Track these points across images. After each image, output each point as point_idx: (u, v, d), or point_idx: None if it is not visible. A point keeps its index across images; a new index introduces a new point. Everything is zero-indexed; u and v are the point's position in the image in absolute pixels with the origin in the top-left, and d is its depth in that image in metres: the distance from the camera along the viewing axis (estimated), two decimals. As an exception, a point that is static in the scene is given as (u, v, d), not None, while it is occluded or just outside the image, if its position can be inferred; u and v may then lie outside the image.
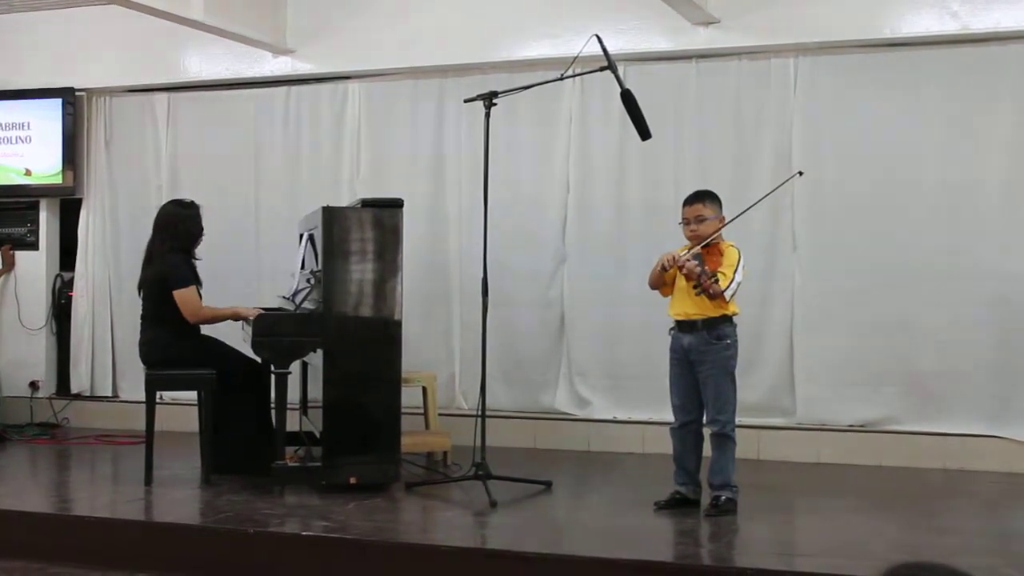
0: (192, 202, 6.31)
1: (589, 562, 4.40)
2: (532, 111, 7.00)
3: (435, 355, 7.24)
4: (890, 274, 6.41)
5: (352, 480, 5.63)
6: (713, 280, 4.95)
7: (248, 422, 6.08)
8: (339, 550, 4.71)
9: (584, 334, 7.06)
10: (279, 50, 7.56)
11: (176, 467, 6.27)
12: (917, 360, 6.40)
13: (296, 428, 6.53)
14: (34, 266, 8.36)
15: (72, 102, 8.12)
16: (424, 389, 6.61)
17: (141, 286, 6.24)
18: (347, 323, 5.71)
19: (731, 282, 5.04)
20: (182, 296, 5.97)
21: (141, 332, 6.21)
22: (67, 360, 8.27)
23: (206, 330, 6.22)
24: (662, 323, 5.35)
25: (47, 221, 8.39)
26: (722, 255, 5.11)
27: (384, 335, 5.73)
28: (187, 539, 4.98)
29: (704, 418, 5.20)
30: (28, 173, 8.26)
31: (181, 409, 7.33)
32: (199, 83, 7.94)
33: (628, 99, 5.39)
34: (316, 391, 6.34)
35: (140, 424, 6.19)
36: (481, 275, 5.61)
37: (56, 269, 8.44)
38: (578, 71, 5.93)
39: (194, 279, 6.07)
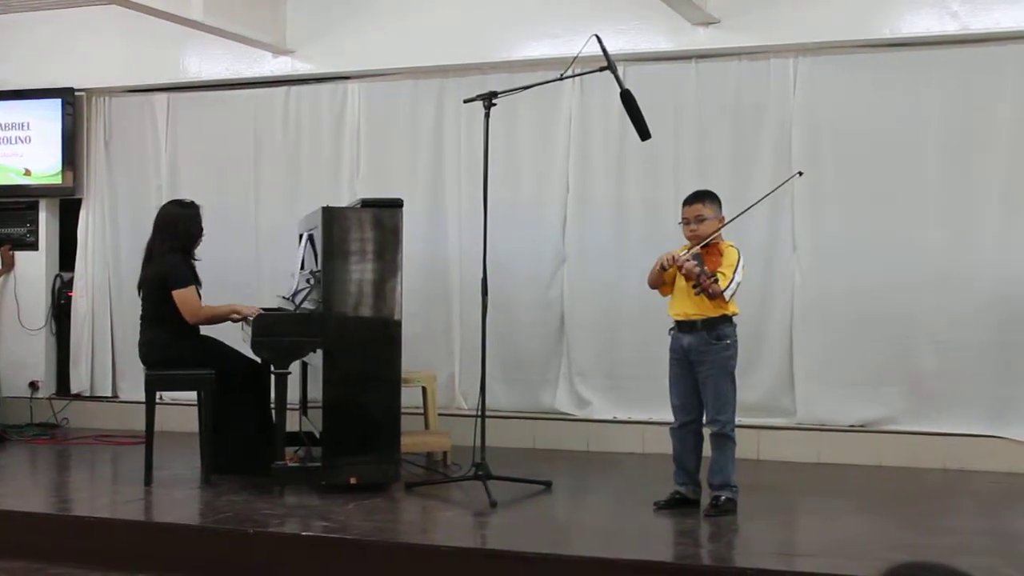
0: (192, 202, 6.32)
1: (589, 562, 4.40)
2: (532, 111, 7.00)
3: (435, 355, 7.23)
4: (890, 274, 6.40)
5: (352, 480, 5.63)
6: (712, 280, 4.95)
7: (248, 422, 6.07)
8: (339, 550, 4.71)
9: (584, 334, 7.06)
10: (279, 50, 7.56)
11: (176, 467, 6.27)
12: (917, 360, 6.40)
13: (296, 428, 6.52)
14: (34, 266, 8.35)
15: (72, 102, 8.11)
16: (424, 389, 6.61)
17: (141, 286, 6.24)
18: (347, 323, 5.70)
19: (731, 282, 5.04)
20: (181, 296, 5.97)
21: (141, 332, 6.21)
22: (67, 360, 8.27)
23: (206, 330, 6.22)
24: (662, 323, 5.35)
25: (47, 221, 8.39)
26: (722, 255, 5.11)
27: (384, 335, 5.73)
28: (187, 539, 4.98)
29: (704, 418, 5.20)
30: (28, 173, 8.25)
31: (181, 409, 7.32)
32: (199, 83, 7.94)
33: (628, 99, 5.39)
34: (316, 391, 6.33)
35: (140, 424, 6.19)
36: (481, 275, 5.60)
37: (56, 269, 8.44)
38: (578, 71, 5.94)
39: (194, 279, 6.07)
